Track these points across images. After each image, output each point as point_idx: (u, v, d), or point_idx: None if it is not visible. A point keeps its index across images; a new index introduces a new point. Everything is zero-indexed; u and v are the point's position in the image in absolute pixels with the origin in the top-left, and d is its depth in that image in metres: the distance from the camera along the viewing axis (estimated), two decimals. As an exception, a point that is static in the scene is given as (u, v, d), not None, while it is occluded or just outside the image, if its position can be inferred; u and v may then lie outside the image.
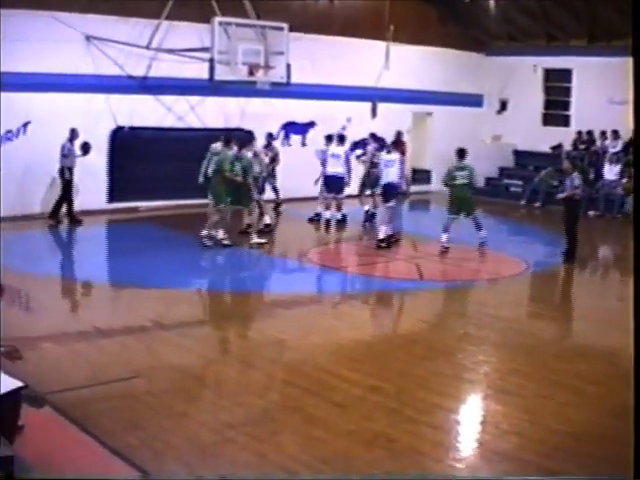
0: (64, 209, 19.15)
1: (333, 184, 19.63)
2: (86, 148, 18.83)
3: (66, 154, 18.60)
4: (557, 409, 8.84)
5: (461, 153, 17.35)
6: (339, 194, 19.78)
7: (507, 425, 8.40)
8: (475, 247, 17.42)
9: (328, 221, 20.00)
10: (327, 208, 19.99)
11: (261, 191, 18.84)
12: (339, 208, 19.94)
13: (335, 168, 19.62)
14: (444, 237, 17.04)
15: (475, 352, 11.09)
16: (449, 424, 8.56)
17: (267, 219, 18.84)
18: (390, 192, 17.66)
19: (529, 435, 8.12)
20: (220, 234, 17.05)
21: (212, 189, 17.31)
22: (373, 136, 21.49)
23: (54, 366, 9.68)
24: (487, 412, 8.96)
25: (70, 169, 18.79)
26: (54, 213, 19.03)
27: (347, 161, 19.81)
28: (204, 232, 16.96)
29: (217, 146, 17.86)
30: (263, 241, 17.47)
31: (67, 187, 18.94)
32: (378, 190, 19.93)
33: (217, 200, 17.14)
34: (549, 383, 9.68)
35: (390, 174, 17.63)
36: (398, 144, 18.86)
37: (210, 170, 17.48)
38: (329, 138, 20.18)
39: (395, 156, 17.82)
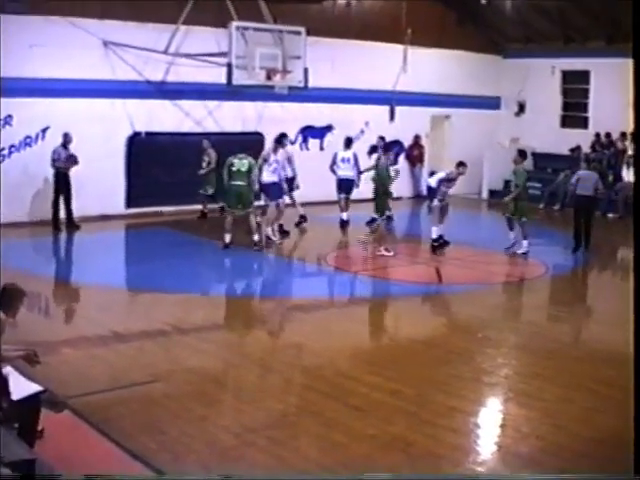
0: (62, 214, 18.75)
1: (345, 186, 19.71)
2: (72, 159, 18.36)
3: (56, 159, 18.39)
4: (580, 413, 8.79)
5: (522, 154, 17.95)
6: (349, 195, 19.88)
7: (528, 429, 8.36)
8: (497, 251, 17.38)
9: (345, 223, 19.87)
10: (342, 210, 19.89)
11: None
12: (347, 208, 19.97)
13: (346, 172, 19.63)
14: (525, 243, 17.20)
15: (495, 355, 11.06)
16: (468, 427, 8.52)
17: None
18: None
19: (551, 439, 8.07)
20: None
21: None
22: (382, 139, 21.40)
23: (73, 370, 9.70)
24: (508, 415, 8.90)
25: (65, 174, 18.52)
26: (55, 219, 18.67)
27: (356, 163, 19.81)
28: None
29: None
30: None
31: (64, 192, 18.55)
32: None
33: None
34: (571, 387, 9.62)
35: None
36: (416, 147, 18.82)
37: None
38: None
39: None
